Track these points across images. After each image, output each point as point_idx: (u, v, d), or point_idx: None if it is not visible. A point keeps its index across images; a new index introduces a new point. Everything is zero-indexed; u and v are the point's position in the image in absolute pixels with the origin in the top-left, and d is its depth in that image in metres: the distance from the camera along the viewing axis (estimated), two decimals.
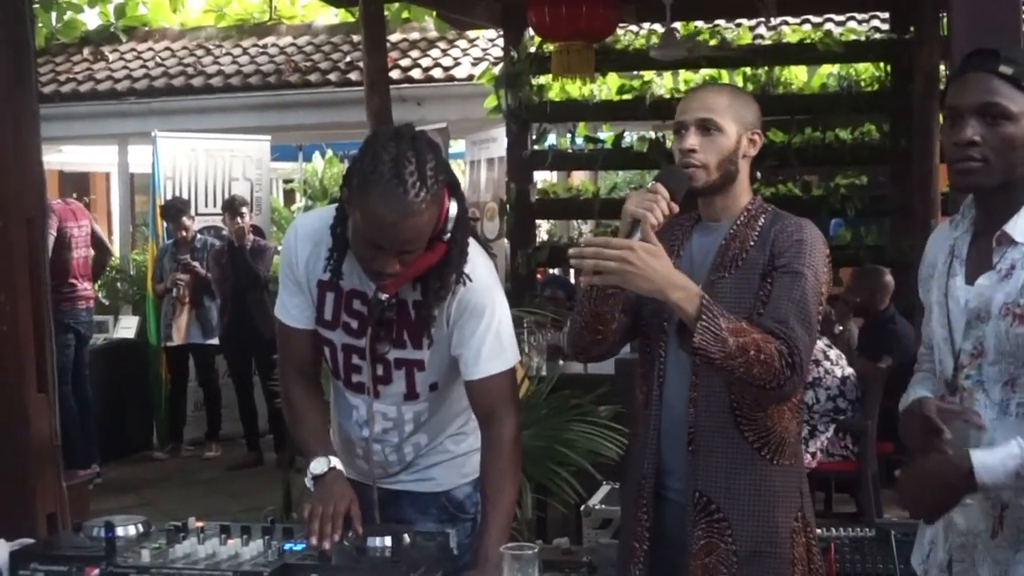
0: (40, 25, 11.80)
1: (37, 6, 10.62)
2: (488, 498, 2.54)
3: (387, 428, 2.68)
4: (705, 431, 2.52)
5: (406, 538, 2.37)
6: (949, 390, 2.28)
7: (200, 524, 2.47)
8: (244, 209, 8.32)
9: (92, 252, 7.76)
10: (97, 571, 2.24)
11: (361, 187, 2.35)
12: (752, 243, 2.52)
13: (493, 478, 2.55)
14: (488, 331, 2.56)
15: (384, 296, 2.52)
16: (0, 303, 3.75)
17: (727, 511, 2.50)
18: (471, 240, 2.56)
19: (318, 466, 2.54)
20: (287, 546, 2.35)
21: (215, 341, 8.59)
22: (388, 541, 2.34)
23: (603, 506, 4.33)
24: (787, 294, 2.42)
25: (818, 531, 3.25)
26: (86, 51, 12.67)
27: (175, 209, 8.66)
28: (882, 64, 7.65)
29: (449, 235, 2.46)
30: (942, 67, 6.71)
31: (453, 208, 2.45)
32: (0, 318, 3.76)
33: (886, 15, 8.30)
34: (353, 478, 2.63)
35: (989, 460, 2.10)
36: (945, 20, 6.29)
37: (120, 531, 2.40)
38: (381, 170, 2.32)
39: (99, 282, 9.56)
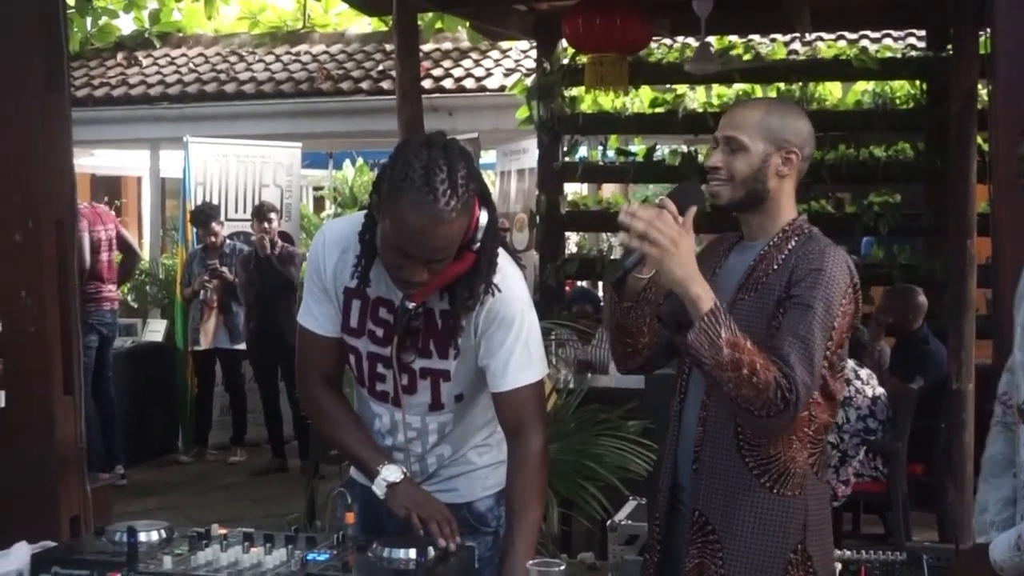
0: (75, 30, 11.88)
1: (72, 11, 10.68)
2: (515, 512, 2.50)
3: (411, 438, 2.65)
4: (710, 451, 2.51)
5: (431, 550, 2.34)
6: (1021, 417, 2.23)
7: (223, 531, 2.45)
8: (272, 215, 8.34)
9: (117, 255, 7.80)
10: None
11: (391, 194, 2.32)
12: (776, 266, 2.48)
13: (520, 492, 2.51)
14: (517, 342, 2.52)
15: (411, 305, 2.48)
16: (28, 305, 3.75)
17: (721, 534, 2.48)
18: (501, 250, 2.52)
19: (391, 473, 2.52)
20: (310, 556, 2.32)
21: (242, 346, 8.60)
22: (412, 553, 2.31)
23: (629, 522, 4.28)
24: (793, 329, 2.37)
25: (847, 553, 3.21)
26: (120, 56, 12.75)
27: (205, 214, 8.69)
28: (918, 82, 7.58)
29: (479, 244, 2.43)
30: (980, 86, 6.63)
31: (483, 217, 2.42)
32: (28, 320, 3.76)
33: (922, 32, 8.25)
34: (371, 486, 2.59)
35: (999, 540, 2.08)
36: (984, 39, 6.23)
37: (143, 536, 2.38)
38: (412, 177, 2.29)
39: (128, 285, 9.60)
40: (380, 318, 2.56)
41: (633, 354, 2.58)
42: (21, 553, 2.41)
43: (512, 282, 2.54)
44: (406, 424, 2.63)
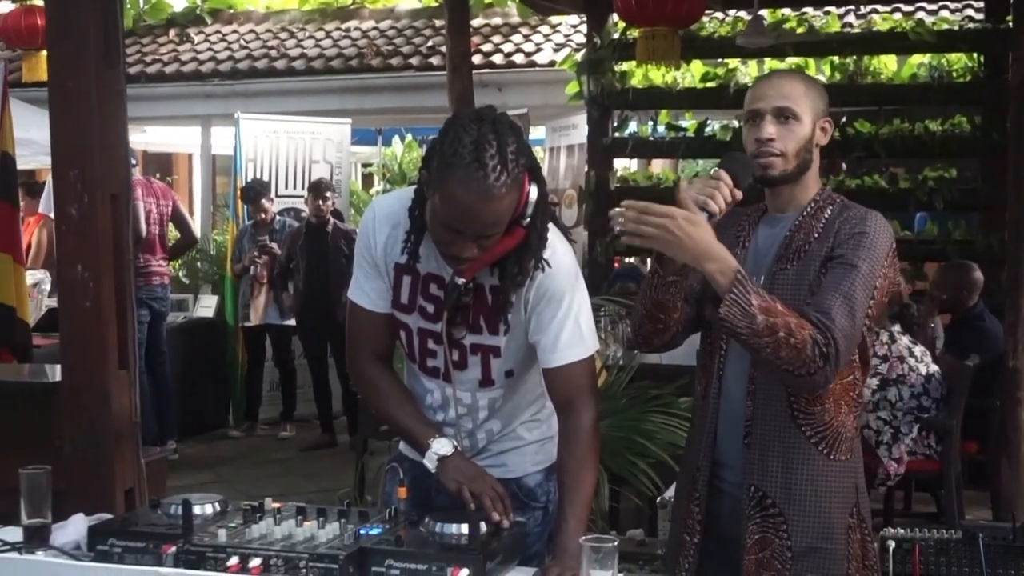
0: (128, 7, 11.97)
1: None
2: (567, 488, 2.50)
3: (462, 414, 2.65)
4: (762, 425, 2.50)
5: (483, 526, 2.34)
6: None
7: (276, 505, 2.47)
8: (329, 193, 8.36)
9: (169, 231, 7.86)
10: (174, 548, 2.25)
11: (441, 169, 2.31)
12: (816, 235, 2.48)
13: (572, 468, 2.51)
14: (567, 318, 2.51)
15: (461, 281, 2.48)
16: (84, 279, 3.78)
17: (783, 506, 2.48)
18: (551, 226, 2.51)
19: (442, 447, 2.52)
20: (363, 530, 2.34)
21: (292, 322, 8.65)
22: (464, 528, 2.31)
23: None
24: (836, 285, 2.37)
25: (901, 531, 3.17)
26: (172, 33, 12.83)
27: (255, 191, 8.73)
28: (975, 55, 7.45)
29: (528, 220, 2.42)
30: None
31: (533, 192, 2.40)
32: (83, 294, 3.80)
33: (980, 4, 8.09)
34: (421, 460, 2.59)
35: None
36: None
37: (197, 509, 2.40)
38: (462, 153, 2.28)
39: (180, 261, 9.68)
40: (431, 294, 2.56)
41: (663, 331, 2.56)
42: (79, 525, 2.45)
43: (562, 257, 2.53)
44: (457, 400, 2.63)
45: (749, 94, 2.59)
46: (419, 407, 2.66)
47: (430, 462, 2.52)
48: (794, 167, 2.51)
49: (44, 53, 7.98)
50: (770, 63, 8.10)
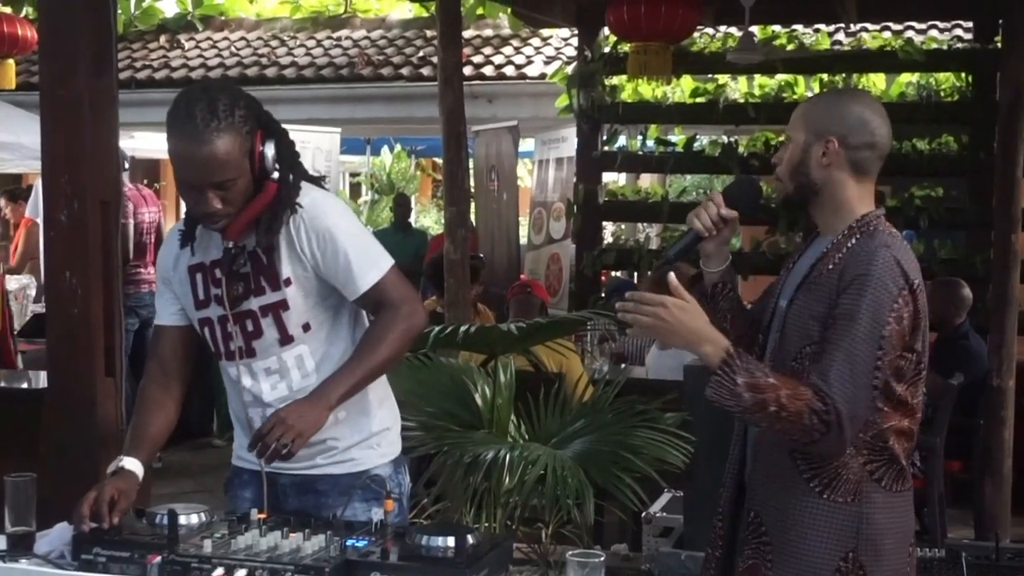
0: (119, 12, 11.94)
1: None
2: (356, 351, 2.64)
3: (275, 383, 2.72)
4: (764, 452, 2.51)
5: (469, 539, 2.34)
6: None
7: (262, 516, 2.47)
8: None
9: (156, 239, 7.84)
10: (159, 559, 2.25)
11: (167, 135, 2.55)
12: (831, 265, 2.42)
13: (367, 338, 2.66)
14: (349, 248, 2.63)
15: (230, 244, 2.64)
16: (72, 286, 3.77)
17: (773, 535, 2.47)
18: (306, 183, 2.68)
19: (112, 466, 2.64)
20: (349, 542, 2.34)
21: None
22: (451, 541, 2.31)
23: (664, 514, 4.28)
24: (836, 343, 2.33)
25: None
26: (163, 39, 12.82)
27: None
28: (963, 74, 7.48)
29: (277, 175, 2.60)
30: None
31: (270, 149, 2.59)
32: (71, 300, 3.79)
33: (969, 24, 8.14)
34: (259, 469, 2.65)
35: None
36: None
37: (183, 520, 2.40)
38: (176, 112, 2.54)
39: None
40: (217, 278, 2.70)
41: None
42: (63, 533, 2.44)
43: (319, 200, 2.68)
44: (264, 369, 2.71)
45: None
46: (149, 427, 2.76)
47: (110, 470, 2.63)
48: (792, 189, 2.49)
49: (11, 62, 8.00)
50: (760, 79, 8.13)
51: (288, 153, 2.65)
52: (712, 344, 2.33)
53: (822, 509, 2.41)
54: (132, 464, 2.62)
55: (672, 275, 2.39)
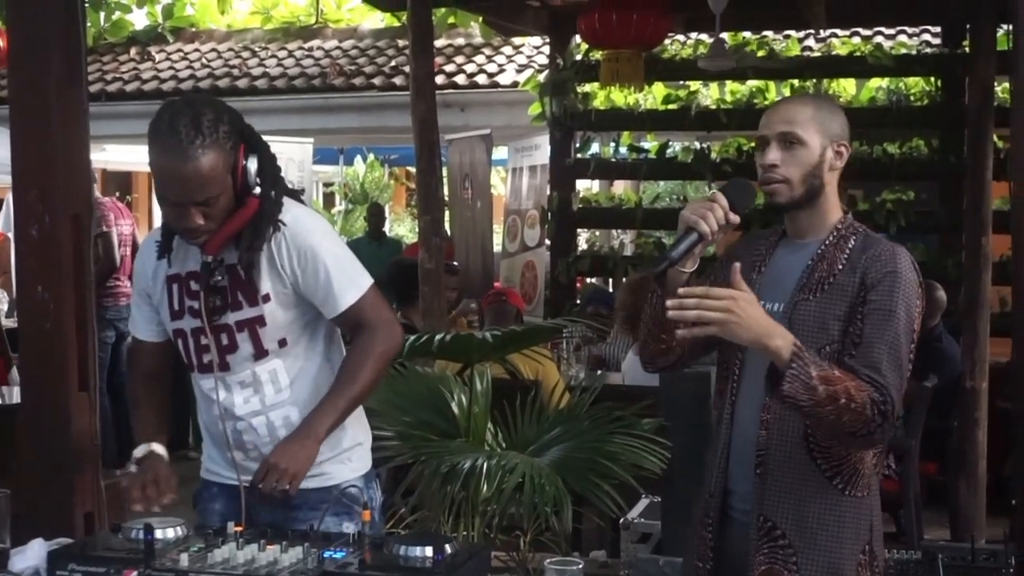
0: (89, 25, 11.89)
1: (87, 5, 10.69)
2: (337, 380, 2.64)
3: (248, 397, 2.71)
4: (775, 455, 2.48)
5: (448, 548, 2.34)
6: None
7: (238, 529, 2.45)
8: None
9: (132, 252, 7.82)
10: (135, 574, 2.23)
11: (149, 149, 2.52)
12: (840, 266, 2.45)
13: (347, 366, 2.66)
14: (329, 267, 2.64)
15: (209, 258, 2.61)
16: (44, 300, 3.74)
17: (793, 538, 2.46)
18: (292, 200, 2.68)
19: (139, 451, 2.68)
20: (327, 553, 2.33)
21: None
22: (429, 551, 2.31)
23: (642, 520, 4.27)
24: (880, 336, 2.37)
25: None
26: (133, 51, 12.76)
27: None
28: (932, 79, 7.55)
29: (260, 190, 2.58)
30: (996, 82, 6.61)
31: (252, 164, 2.57)
32: (43, 315, 3.75)
33: (937, 29, 8.21)
34: (232, 483, 2.70)
35: None
36: (1003, 35, 6.20)
37: (159, 534, 2.38)
38: (160, 127, 2.51)
39: None
40: (193, 291, 2.69)
41: (666, 351, 2.57)
42: (38, 549, 2.42)
43: (302, 217, 2.68)
44: (238, 383, 2.70)
45: (761, 121, 2.57)
46: (154, 418, 2.82)
47: (132, 467, 2.67)
48: (801, 193, 2.49)
49: None
50: (731, 86, 8.18)
51: (270, 168, 2.64)
52: (782, 338, 2.29)
53: (846, 506, 2.46)
54: (160, 449, 2.70)
55: (736, 267, 2.34)
